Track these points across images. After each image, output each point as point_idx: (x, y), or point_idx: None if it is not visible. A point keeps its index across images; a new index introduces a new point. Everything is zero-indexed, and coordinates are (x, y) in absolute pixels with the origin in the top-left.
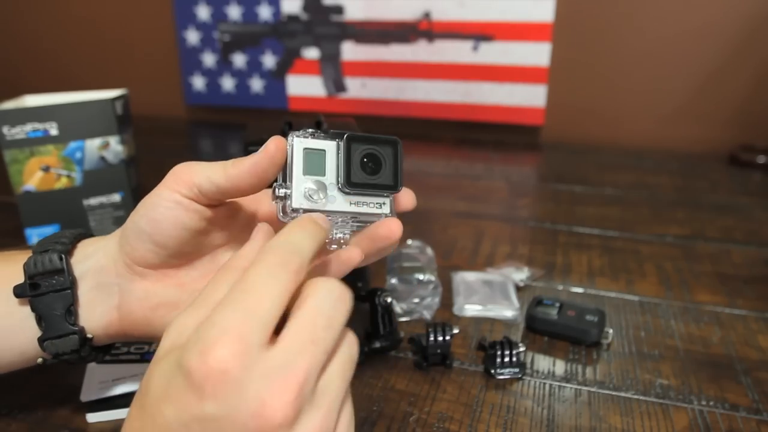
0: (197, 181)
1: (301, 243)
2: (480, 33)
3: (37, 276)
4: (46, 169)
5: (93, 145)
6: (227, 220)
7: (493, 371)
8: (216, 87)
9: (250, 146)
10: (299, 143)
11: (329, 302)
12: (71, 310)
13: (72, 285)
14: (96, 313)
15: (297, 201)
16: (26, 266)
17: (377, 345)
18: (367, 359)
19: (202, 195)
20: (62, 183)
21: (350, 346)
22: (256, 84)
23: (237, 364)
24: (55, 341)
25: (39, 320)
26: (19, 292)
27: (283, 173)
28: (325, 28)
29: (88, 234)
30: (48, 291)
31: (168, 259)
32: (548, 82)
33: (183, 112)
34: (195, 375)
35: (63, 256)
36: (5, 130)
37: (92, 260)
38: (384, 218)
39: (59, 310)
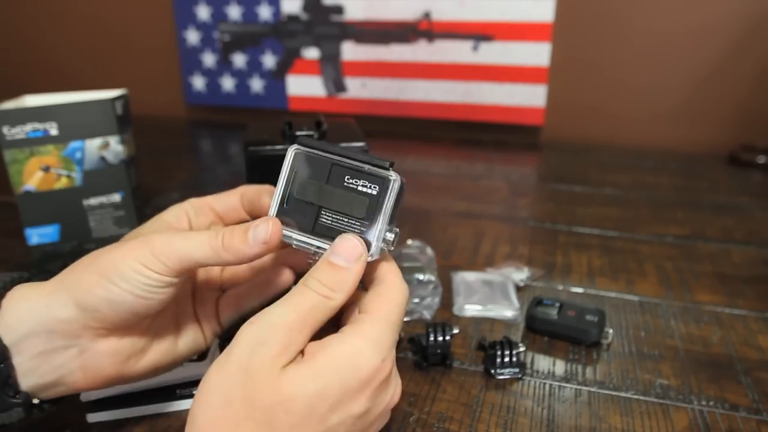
0: (179, 260)
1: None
2: (480, 33)
3: None
4: (46, 169)
5: (93, 145)
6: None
7: (493, 371)
8: (216, 87)
9: (250, 146)
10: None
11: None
12: (9, 382)
13: (5, 358)
14: (45, 376)
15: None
16: None
17: None
18: None
19: (182, 271)
20: (62, 183)
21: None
22: (256, 84)
23: (390, 374)
24: None
25: None
26: None
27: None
28: (325, 28)
29: (14, 280)
30: None
31: (140, 319)
32: (548, 82)
33: (183, 112)
34: (367, 380)
35: None
36: (5, 130)
37: (30, 324)
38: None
39: None
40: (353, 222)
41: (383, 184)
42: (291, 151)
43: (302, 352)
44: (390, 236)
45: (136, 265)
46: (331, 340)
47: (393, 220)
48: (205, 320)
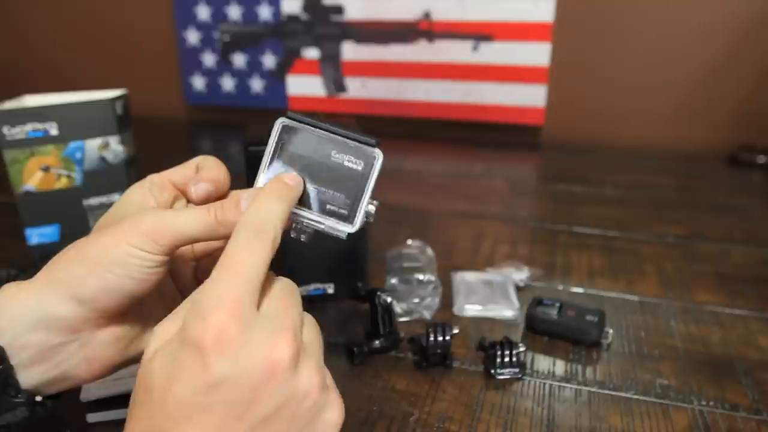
0: (172, 239)
1: (273, 212)
2: (480, 33)
3: None
4: (46, 169)
5: (93, 145)
6: None
7: (493, 371)
8: (216, 87)
9: (250, 146)
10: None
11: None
12: (10, 383)
13: (2, 359)
14: (48, 372)
15: None
16: None
17: (377, 345)
18: (367, 359)
19: (175, 249)
20: (62, 183)
21: (312, 321)
22: (256, 84)
23: (236, 324)
24: (3, 415)
25: None
26: None
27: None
28: (325, 28)
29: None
30: None
31: (137, 303)
32: (548, 82)
33: (183, 112)
34: (200, 343)
35: None
36: (5, 130)
37: (25, 324)
38: None
39: None
40: (337, 194)
41: (368, 160)
42: (278, 124)
43: None
44: (372, 208)
45: (131, 249)
46: None
47: (373, 193)
48: (187, 291)
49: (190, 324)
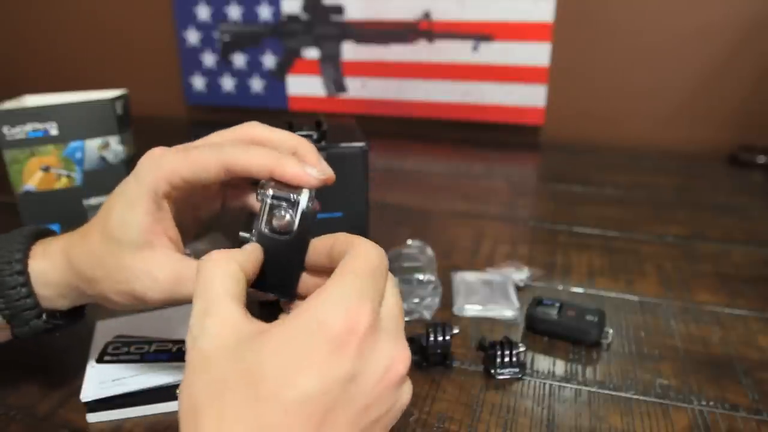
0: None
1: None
2: (480, 33)
3: None
4: (46, 169)
5: (93, 145)
6: None
7: (493, 371)
8: (216, 87)
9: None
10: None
11: (398, 301)
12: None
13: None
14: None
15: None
16: None
17: None
18: None
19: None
20: (62, 183)
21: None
22: (256, 84)
23: (372, 330)
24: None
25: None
26: None
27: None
28: (325, 28)
29: (41, 231)
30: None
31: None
32: (548, 82)
33: (183, 112)
34: (338, 334)
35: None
36: (5, 130)
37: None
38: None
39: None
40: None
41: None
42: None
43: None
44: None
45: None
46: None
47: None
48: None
49: (332, 313)
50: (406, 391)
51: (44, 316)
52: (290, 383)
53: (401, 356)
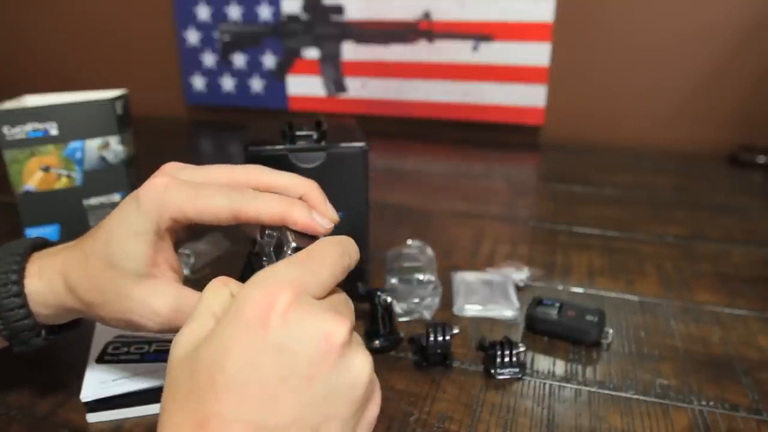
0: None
1: (352, 250)
2: (480, 33)
3: None
4: (46, 169)
5: (93, 145)
6: None
7: (493, 371)
8: (216, 87)
9: (249, 146)
10: None
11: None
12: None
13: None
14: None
15: None
16: None
17: (377, 345)
18: None
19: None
20: (62, 183)
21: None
22: (256, 84)
23: (297, 304)
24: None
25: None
26: None
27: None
28: (325, 28)
29: (37, 245)
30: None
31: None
32: (548, 82)
33: (183, 112)
34: (257, 312)
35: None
36: (5, 130)
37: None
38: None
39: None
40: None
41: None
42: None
43: None
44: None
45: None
46: None
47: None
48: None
49: (249, 295)
50: (358, 364)
51: (43, 333)
52: (220, 369)
53: (337, 323)
